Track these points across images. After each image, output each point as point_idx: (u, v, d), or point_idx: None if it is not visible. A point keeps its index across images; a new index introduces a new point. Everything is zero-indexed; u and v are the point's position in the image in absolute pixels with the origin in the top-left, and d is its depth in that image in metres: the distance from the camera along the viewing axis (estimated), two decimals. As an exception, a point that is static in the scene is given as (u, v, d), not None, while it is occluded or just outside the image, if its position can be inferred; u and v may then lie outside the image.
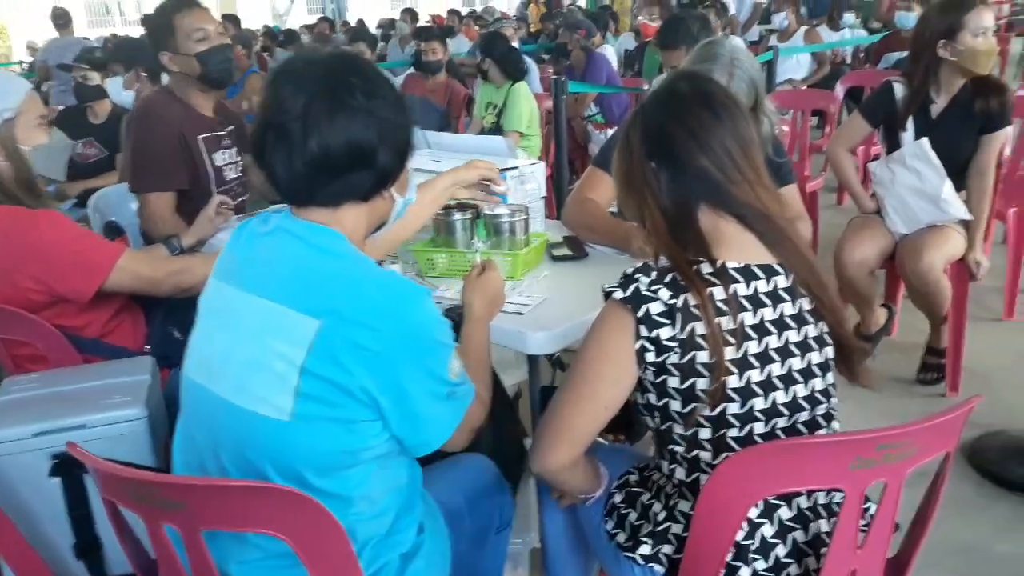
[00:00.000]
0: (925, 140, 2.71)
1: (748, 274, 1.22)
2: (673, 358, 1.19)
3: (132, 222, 2.75)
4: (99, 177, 3.85)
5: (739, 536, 1.20)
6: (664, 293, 1.19)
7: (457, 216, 1.92)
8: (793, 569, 1.24)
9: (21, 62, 11.58)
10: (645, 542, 1.30)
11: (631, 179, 1.29)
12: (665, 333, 1.18)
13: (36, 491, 1.42)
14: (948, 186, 2.71)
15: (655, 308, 1.18)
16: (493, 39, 4.78)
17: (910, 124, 2.76)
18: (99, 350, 1.90)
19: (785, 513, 1.24)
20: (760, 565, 1.22)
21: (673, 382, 1.21)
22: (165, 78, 3.96)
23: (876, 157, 3.18)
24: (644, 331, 1.19)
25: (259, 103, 1.21)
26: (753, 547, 1.22)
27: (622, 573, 1.34)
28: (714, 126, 1.23)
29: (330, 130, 1.14)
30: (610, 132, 4.61)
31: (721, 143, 1.22)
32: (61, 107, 4.44)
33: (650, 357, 1.20)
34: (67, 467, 1.41)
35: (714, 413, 1.21)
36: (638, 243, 1.89)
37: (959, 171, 2.75)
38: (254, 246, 1.23)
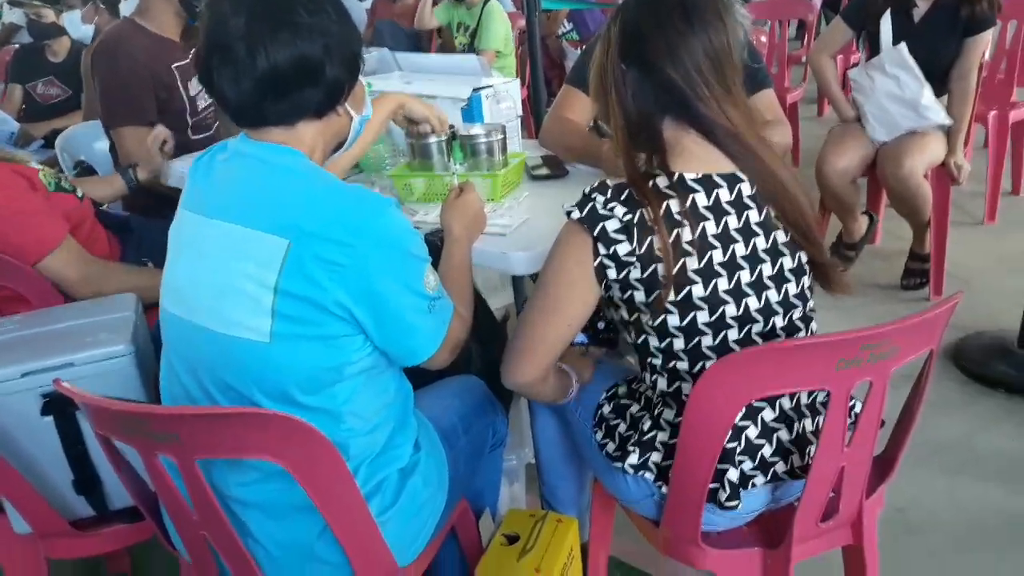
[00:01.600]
0: (903, 45, 2.68)
1: (708, 184, 1.21)
2: (635, 272, 1.20)
3: (101, 160, 2.70)
4: (64, 117, 3.77)
5: (724, 440, 1.22)
6: (619, 210, 1.18)
7: (432, 139, 1.88)
8: (779, 467, 1.27)
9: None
10: (633, 451, 1.32)
11: (603, 76, 1.28)
12: (623, 249, 1.19)
13: (30, 431, 1.41)
14: (928, 91, 2.69)
15: (611, 225, 1.19)
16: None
17: (888, 28, 2.72)
18: None
19: (768, 414, 1.26)
20: (747, 465, 1.25)
21: (639, 296, 1.22)
22: (123, 9, 3.84)
23: (856, 65, 3.14)
24: (602, 249, 1.19)
25: (200, 26, 1.18)
26: (739, 449, 1.24)
27: (615, 483, 1.37)
28: (688, 36, 1.20)
29: (274, 47, 1.12)
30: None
31: (692, 56, 1.20)
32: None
33: (611, 274, 1.21)
34: (58, 405, 1.40)
35: (684, 323, 1.22)
36: (611, 162, 1.87)
37: (941, 76, 2.73)
38: (214, 172, 1.22)
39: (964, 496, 2.00)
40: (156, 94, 2.47)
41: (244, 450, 1.08)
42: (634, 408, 1.39)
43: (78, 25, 3.86)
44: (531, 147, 2.18)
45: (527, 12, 3.24)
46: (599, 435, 1.41)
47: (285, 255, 1.10)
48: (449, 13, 4.77)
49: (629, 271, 1.20)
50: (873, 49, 2.82)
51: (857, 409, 1.26)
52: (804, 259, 1.30)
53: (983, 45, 2.69)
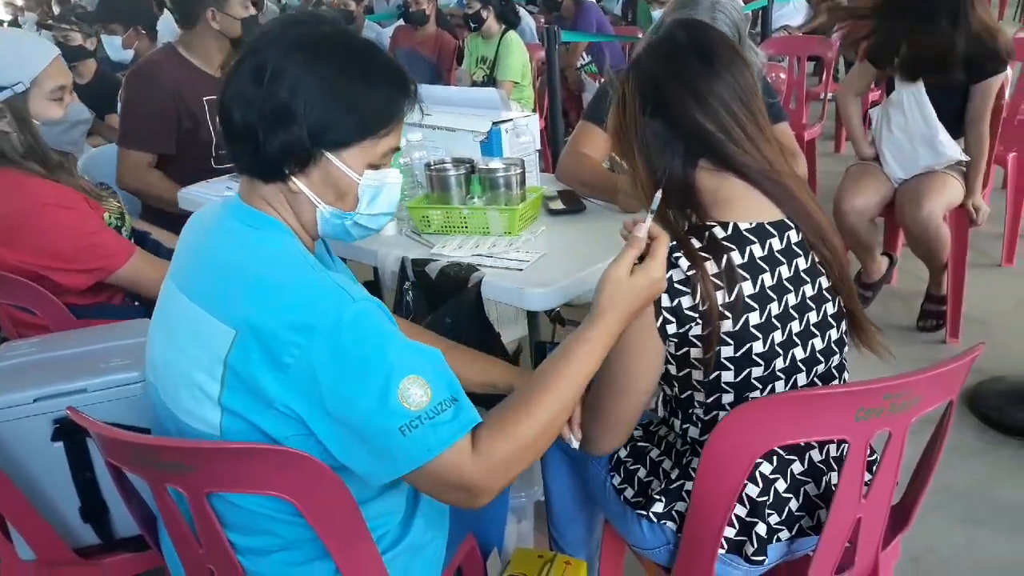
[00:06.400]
0: (920, 83, 2.68)
1: (762, 233, 1.17)
2: (696, 329, 1.14)
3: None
4: (87, 139, 3.79)
5: (754, 493, 1.20)
6: (684, 262, 1.13)
7: (451, 171, 1.89)
8: (805, 521, 1.24)
9: (1, 21, 11.34)
10: (658, 499, 1.29)
11: (624, 136, 1.22)
12: (686, 302, 1.13)
13: (39, 456, 1.41)
14: (943, 129, 2.68)
15: (675, 275, 1.13)
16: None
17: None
18: (90, 313, 1.88)
19: (797, 467, 1.24)
20: (774, 519, 1.22)
21: (695, 353, 1.17)
22: (162, 36, 3.88)
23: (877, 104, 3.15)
24: (665, 301, 1.13)
25: None
26: (768, 503, 1.22)
27: (629, 528, 1.35)
28: (712, 81, 1.16)
29: (239, 104, 1.06)
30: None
31: (720, 99, 1.15)
32: None
33: (671, 329, 1.15)
34: (69, 431, 1.40)
35: (737, 379, 1.18)
36: (624, 195, 1.87)
37: (957, 116, 2.72)
38: (194, 236, 1.16)
39: (979, 546, 1.96)
40: (181, 124, 2.48)
41: (256, 485, 1.07)
42: (654, 453, 1.37)
43: (118, 49, 3.90)
44: (548, 181, 2.19)
45: (547, 44, 3.26)
46: (616, 479, 1.39)
47: (230, 347, 1.02)
48: (469, 45, 4.82)
49: (690, 327, 1.14)
50: (890, 87, 2.82)
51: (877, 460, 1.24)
52: (842, 304, 1.27)
53: (995, 88, 2.66)
